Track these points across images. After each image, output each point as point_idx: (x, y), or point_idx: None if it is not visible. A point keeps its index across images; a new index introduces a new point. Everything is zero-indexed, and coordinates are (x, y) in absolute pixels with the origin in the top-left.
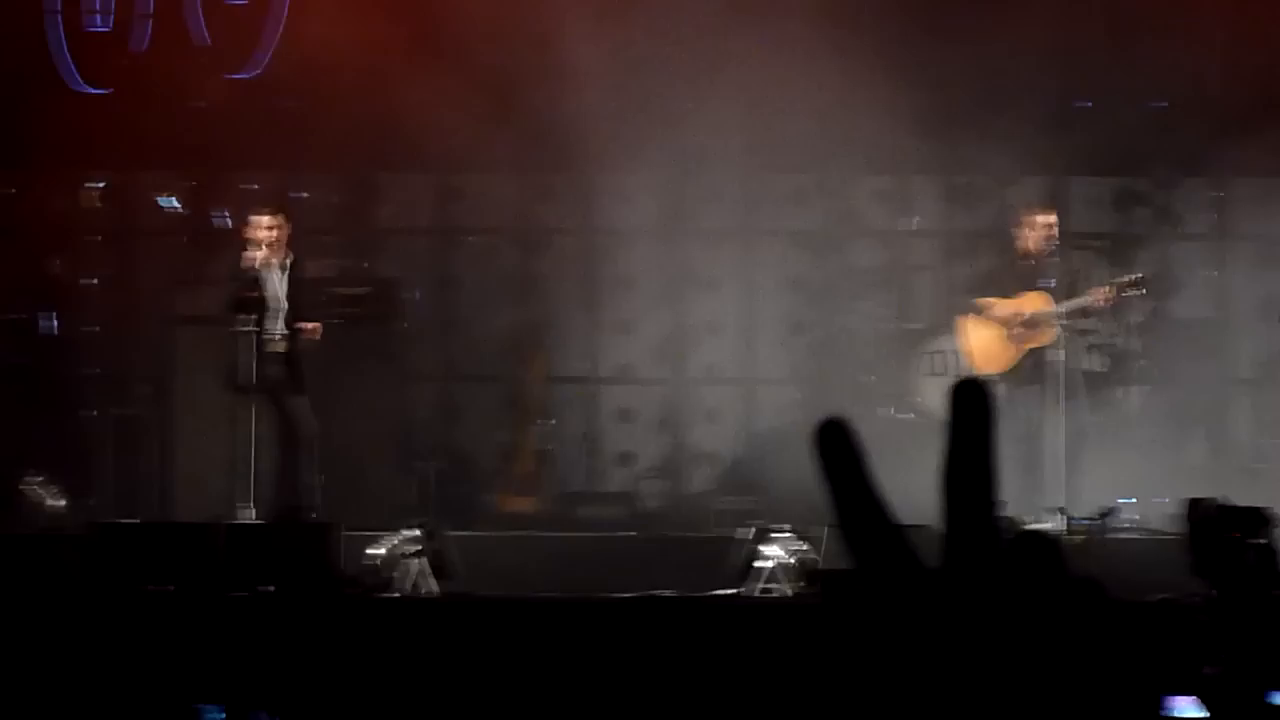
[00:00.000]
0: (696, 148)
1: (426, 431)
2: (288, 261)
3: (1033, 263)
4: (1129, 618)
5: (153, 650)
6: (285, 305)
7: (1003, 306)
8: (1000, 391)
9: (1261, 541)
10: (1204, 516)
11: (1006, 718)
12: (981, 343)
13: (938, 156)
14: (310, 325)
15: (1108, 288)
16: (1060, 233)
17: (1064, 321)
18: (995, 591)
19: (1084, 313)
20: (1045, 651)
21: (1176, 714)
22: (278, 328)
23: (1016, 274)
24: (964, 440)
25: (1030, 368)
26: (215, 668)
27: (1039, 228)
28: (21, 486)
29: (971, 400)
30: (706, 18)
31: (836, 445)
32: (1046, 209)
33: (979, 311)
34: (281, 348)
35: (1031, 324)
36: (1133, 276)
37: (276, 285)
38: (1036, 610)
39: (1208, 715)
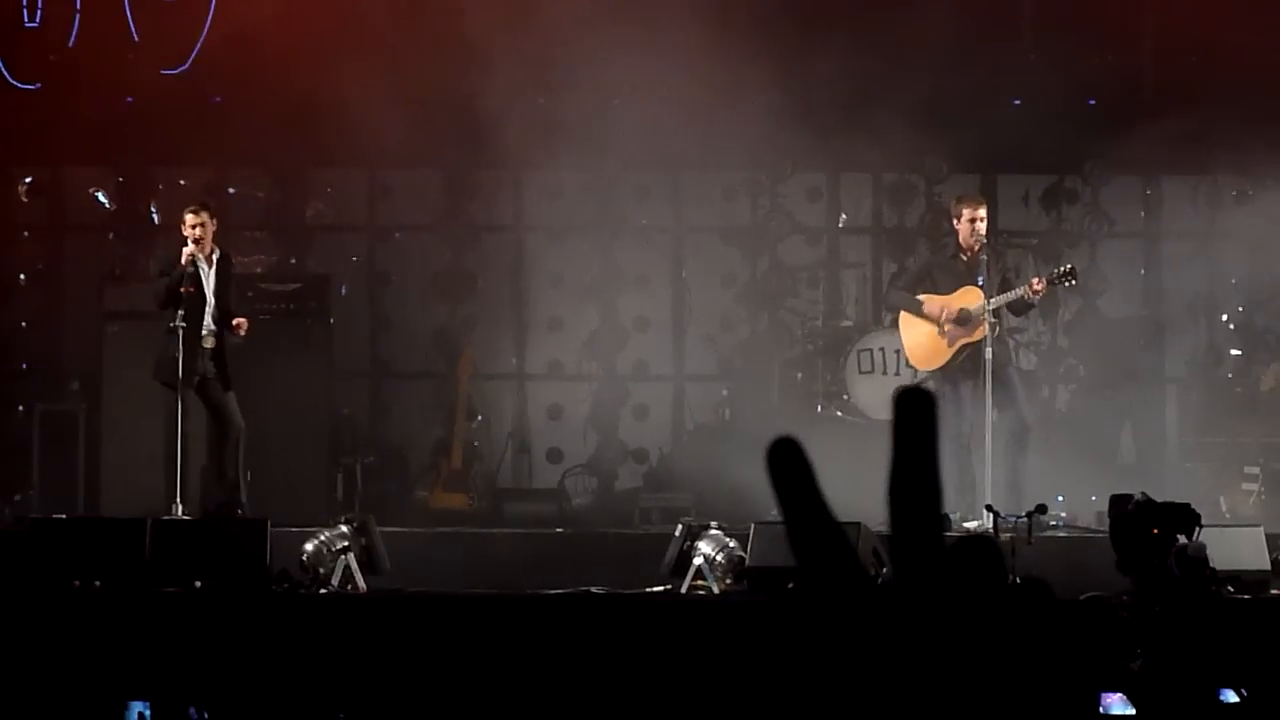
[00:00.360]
0: (625, 145)
1: (356, 427)
2: (214, 257)
3: (965, 258)
4: (1062, 616)
5: (81, 646)
6: (212, 301)
7: (934, 303)
8: (933, 387)
9: (1183, 538)
10: (1126, 513)
11: (948, 718)
12: (915, 339)
13: (866, 153)
14: (239, 321)
15: (1038, 279)
16: (993, 229)
17: (993, 319)
18: (941, 596)
19: (1015, 308)
20: (988, 654)
21: (1110, 711)
22: (205, 323)
23: (949, 270)
24: (908, 450)
25: (963, 364)
26: (144, 663)
27: (967, 222)
28: None
29: (915, 408)
30: (640, 12)
31: (788, 461)
32: (975, 203)
33: (912, 308)
34: (210, 343)
35: (963, 320)
36: (1064, 267)
37: (204, 281)
38: (981, 613)
39: (1134, 712)
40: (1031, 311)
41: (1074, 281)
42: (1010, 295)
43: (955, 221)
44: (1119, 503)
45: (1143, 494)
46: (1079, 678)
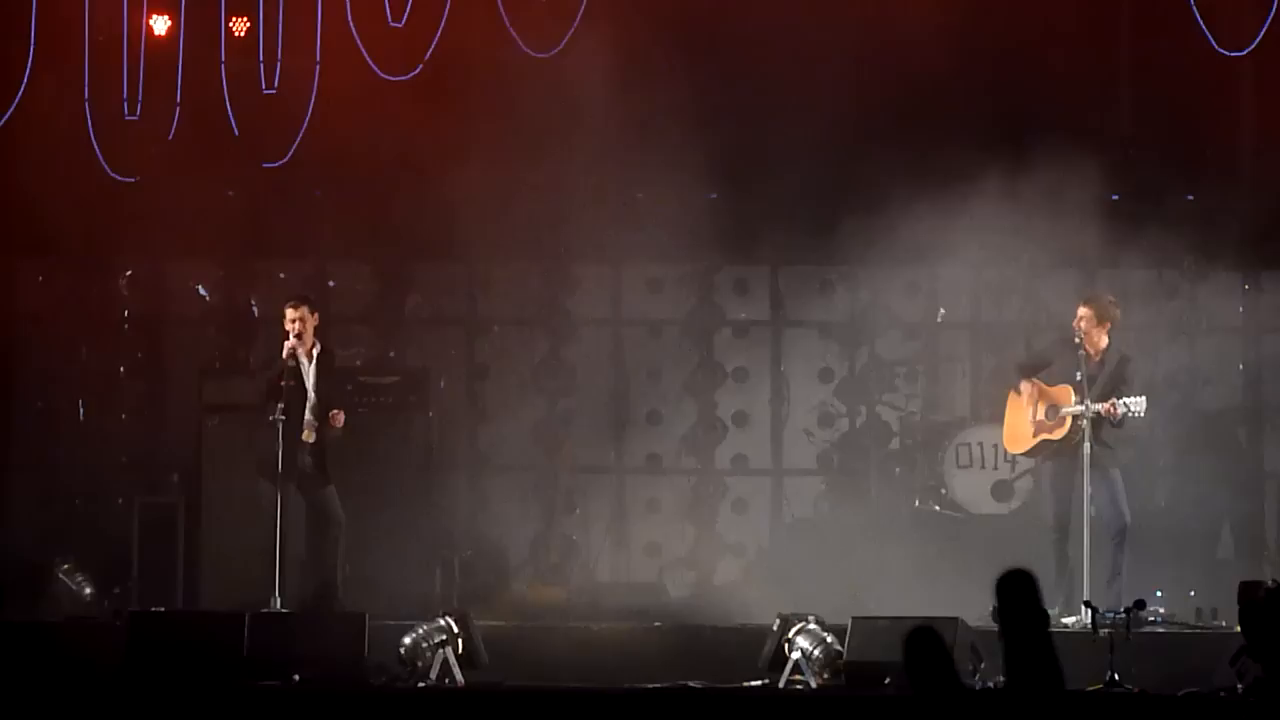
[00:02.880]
0: (722, 238)
1: (455, 520)
2: (314, 352)
3: (1081, 354)
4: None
5: None
6: (313, 396)
7: (1034, 390)
8: (1031, 484)
9: None
10: (1256, 599)
11: None
12: (1010, 419)
13: (966, 248)
14: (335, 412)
15: (1109, 404)
16: (1118, 333)
17: (1090, 417)
18: None
19: (1108, 419)
20: None
21: None
22: (306, 418)
23: (1065, 359)
24: (1019, 632)
25: (1056, 461)
26: None
27: (1076, 319)
28: (55, 574)
29: (1018, 592)
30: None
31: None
32: (1084, 301)
33: (1011, 385)
34: (310, 438)
35: (1050, 415)
36: (1135, 400)
37: (305, 375)
38: None
39: None
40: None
41: (1142, 414)
42: (1097, 407)
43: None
44: (1249, 589)
45: (1274, 580)
46: None
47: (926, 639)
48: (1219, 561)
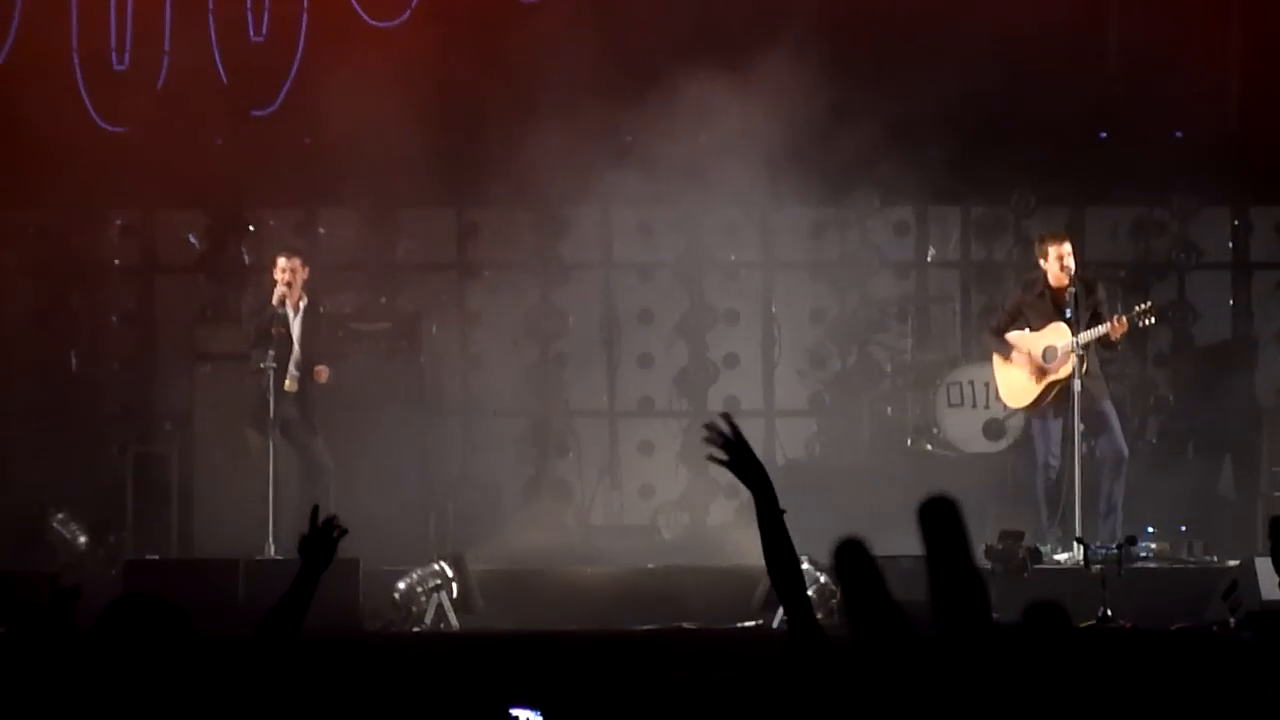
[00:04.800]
0: (712, 181)
1: (448, 466)
2: (301, 304)
3: (1053, 294)
4: (1151, 647)
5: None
6: (298, 347)
7: (1022, 342)
8: (1022, 422)
9: None
10: None
11: None
12: (1006, 377)
13: (954, 188)
14: (319, 369)
15: (1118, 318)
16: (1081, 261)
17: (1080, 353)
18: (996, 674)
19: (1103, 343)
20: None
21: None
22: (289, 369)
23: (1038, 307)
24: (943, 557)
25: (1054, 401)
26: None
27: (1055, 260)
28: (49, 525)
29: (941, 518)
30: (727, 48)
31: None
32: (1060, 240)
33: (1002, 350)
34: (293, 388)
35: (1050, 357)
36: (1143, 305)
37: (291, 326)
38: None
39: None
40: (1120, 345)
41: (1153, 320)
42: (1096, 331)
43: (1043, 260)
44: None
45: None
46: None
47: (853, 552)
48: (1211, 497)
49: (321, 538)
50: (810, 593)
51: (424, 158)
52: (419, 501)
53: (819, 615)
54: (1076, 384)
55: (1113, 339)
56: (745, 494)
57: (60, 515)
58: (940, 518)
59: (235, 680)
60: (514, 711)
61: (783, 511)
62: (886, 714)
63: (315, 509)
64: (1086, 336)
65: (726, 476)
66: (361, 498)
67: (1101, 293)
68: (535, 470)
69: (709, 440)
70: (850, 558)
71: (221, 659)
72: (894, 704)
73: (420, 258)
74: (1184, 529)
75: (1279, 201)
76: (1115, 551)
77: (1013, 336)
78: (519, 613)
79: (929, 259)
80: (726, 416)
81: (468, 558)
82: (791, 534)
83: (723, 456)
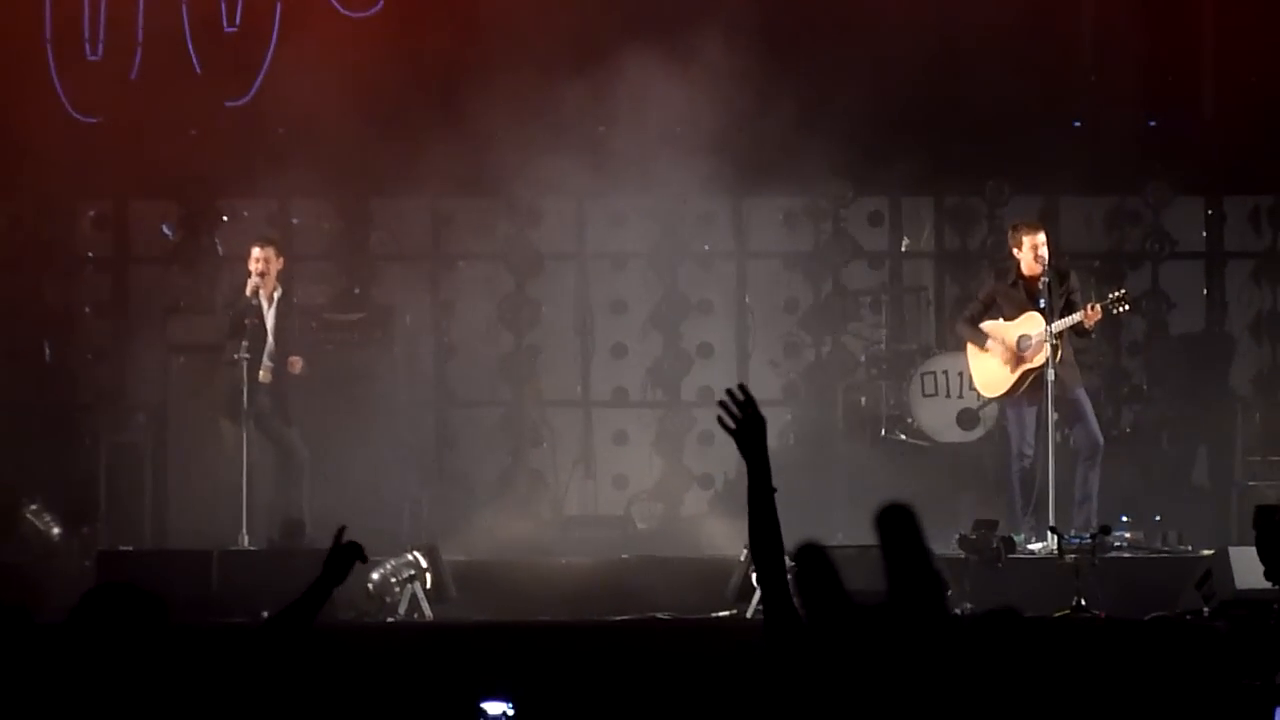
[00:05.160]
0: (686, 171)
1: (423, 457)
2: (275, 294)
3: (1027, 284)
4: (1125, 636)
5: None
6: (271, 338)
7: (997, 331)
8: (996, 411)
9: None
10: (1276, 523)
11: None
12: (981, 367)
13: (927, 177)
14: (293, 359)
15: (1091, 305)
16: (1055, 251)
17: (1054, 343)
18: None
19: (1077, 330)
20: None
21: None
22: (263, 360)
23: (1012, 297)
24: (901, 561)
25: (1029, 390)
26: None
27: (1029, 250)
28: (22, 515)
29: (897, 525)
30: (698, 39)
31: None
32: (1034, 230)
33: (977, 340)
34: (266, 378)
35: (1024, 346)
36: (1118, 292)
37: (265, 316)
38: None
39: None
40: (1091, 335)
41: (1127, 307)
42: (1070, 319)
43: (1017, 250)
44: (1266, 514)
45: None
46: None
47: (812, 555)
48: (1186, 486)
49: (343, 555)
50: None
51: (397, 148)
52: (393, 492)
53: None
54: (1050, 373)
55: (1086, 327)
56: (719, 485)
57: (33, 506)
58: (896, 524)
59: (240, 671)
60: (484, 705)
61: (774, 490)
62: (848, 697)
63: (341, 530)
64: (1061, 324)
65: (701, 467)
66: (335, 488)
67: (1074, 281)
68: (509, 461)
69: (722, 404)
70: (809, 561)
71: (199, 649)
72: (853, 688)
73: (394, 248)
74: (1158, 518)
75: (1253, 191)
76: (1089, 541)
77: (987, 326)
78: (493, 603)
79: (903, 249)
80: (743, 388)
81: (442, 548)
82: None
83: (730, 424)
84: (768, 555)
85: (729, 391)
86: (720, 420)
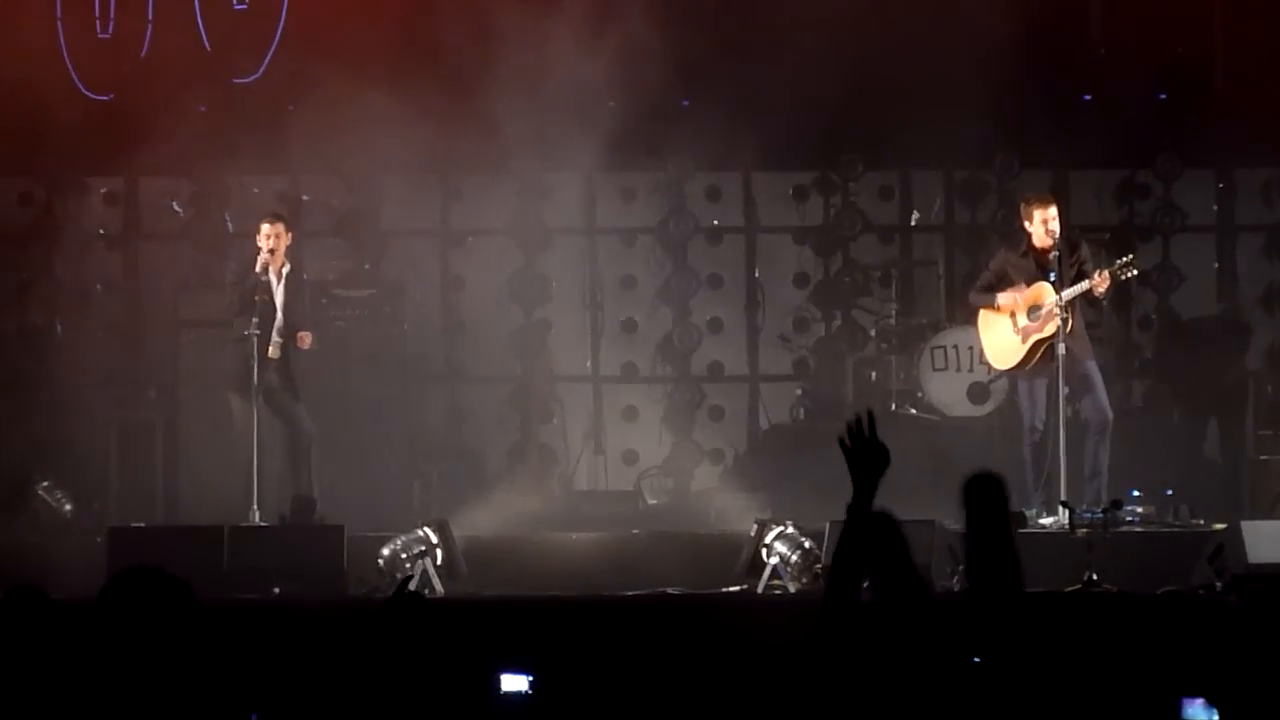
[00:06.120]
0: (695, 146)
1: (432, 433)
2: (284, 271)
3: (1038, 255)
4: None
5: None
6: (280, 314)
7: (1007, 297)
8: (1007, 385)
9: None
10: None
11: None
12: (991, 339)
13: (937, 151)
14: (302, 334)
15: (1099, 274)
16: (1065, 224)
17: (1064, 314)
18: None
19: (1087, 300)
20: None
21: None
22: (272, 335)
23: (1023, 268)
24: (983, 533)
25: (1039, 362)
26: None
27: (1040, 223)
28: (33, 492)
29: (986, 495)
30: (709, 15)
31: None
32: (1045, 203)
33: (988, 304)
34: (275, 354)
35: (1035, 315)
36: (1124, 259)
37: (274, 292)
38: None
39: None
40: (1103, 305)
41: (1135, 272)
42: (1080, 287)
43: (1028, 223)
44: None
45: None
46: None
47: (887, 527)
48: (1198, 460)
49: (403, 603)
50: (795, 558)
51: (407, 124)
52: (403, 468)
53: (803, 581)
54: (1061, 346)
55: (1097, 294)
56: (729, 460)
57: (45, 483)
58: (985, 494)
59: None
60: (503, 677)
61: (876, 514)
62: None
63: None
64: (1070, 292)
65: (710, 442)
66: (345, 464)
67: (1085, 251)
68: (519, 436)
69: (849, 425)
70: (880, 529)
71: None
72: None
73: (403, 224)
74: (1170, 492)
75: (1263, 164)
76: (1101, 515)
77: (1000, 297)
78: (503, 579)
79: (913, 223)
80: (870, 414)
81: (452, 524)
82: (777, 499)
83: (849, 443)
84: (847, 572)
85: (857, 414)
86: (840, 440)
